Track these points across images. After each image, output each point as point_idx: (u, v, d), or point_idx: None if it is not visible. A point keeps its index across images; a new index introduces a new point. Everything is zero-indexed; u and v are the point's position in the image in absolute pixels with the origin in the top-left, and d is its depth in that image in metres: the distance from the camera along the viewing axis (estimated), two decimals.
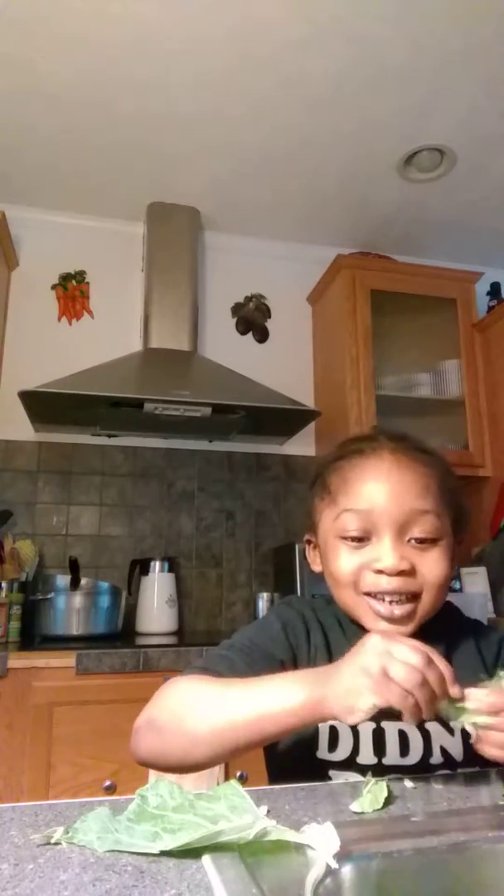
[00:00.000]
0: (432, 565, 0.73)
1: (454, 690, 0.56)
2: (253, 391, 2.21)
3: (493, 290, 2.71)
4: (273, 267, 2.74)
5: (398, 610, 0.72)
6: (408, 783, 0.61)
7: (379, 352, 2.43)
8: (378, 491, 0.74)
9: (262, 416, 2.25)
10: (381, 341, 2.45)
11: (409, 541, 0.73)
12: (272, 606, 0.79)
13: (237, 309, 2.69)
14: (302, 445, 2.57)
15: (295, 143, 2.19)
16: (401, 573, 0.71)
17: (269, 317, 2.71)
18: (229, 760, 0.63)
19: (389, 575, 0.71)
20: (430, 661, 0.55)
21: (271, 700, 0.59)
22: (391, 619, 0.72)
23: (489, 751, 0.58)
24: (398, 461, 0.75)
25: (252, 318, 2.69)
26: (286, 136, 2.15)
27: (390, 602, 0.72)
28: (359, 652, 0.57)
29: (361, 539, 0.74)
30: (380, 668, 0.54)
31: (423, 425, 2.46)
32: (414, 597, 0.73)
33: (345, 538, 0.75)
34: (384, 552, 0.72)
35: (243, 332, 2.67)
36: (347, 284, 2.46)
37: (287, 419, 2.34)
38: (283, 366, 2.62)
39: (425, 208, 2.54)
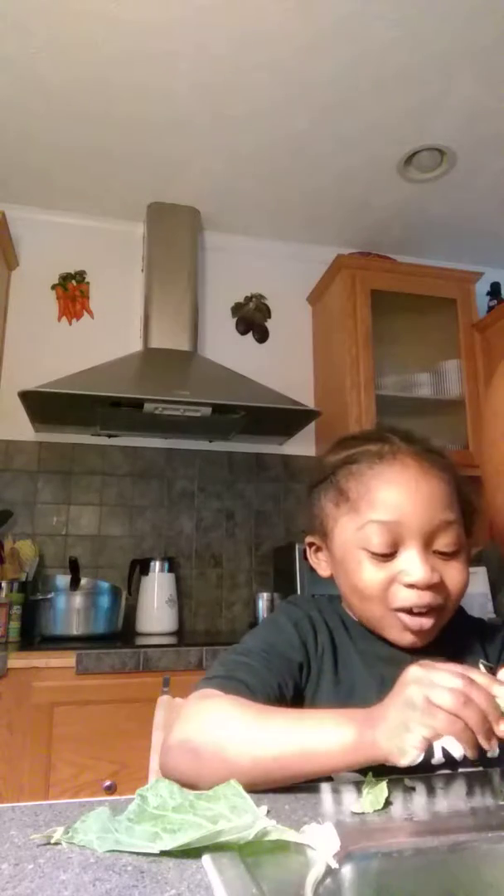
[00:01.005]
0: (455, 576, 0.72)
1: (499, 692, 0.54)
2: (253, 391, 2.21)
3: (493, 290, 2.71)
4: (273, 267, 2.74)
5: (426, 622, 0.71)
6: (408, 783, 0.61)
7: (379, 352, 2.43)
8: (405, 501, 0.71)
9: (262, 416, 2.25)
10: (381, 341, 2.45)
11: (433, 550, 0.72)
12: (278, 606, 0.79)
13: (237, 309, 2.69)
14: (302, 445, 2.57)
15: (295, 144, 2.19)
16: (431, 587, 0.70)
17: (269, 317, 2.71)
18: (271, 786, 0.60)
19: (420, 589, 0.70)
20: (472, 682, 0.53)
21: (320, 739, 0.56)
22: (419, 632, 0.72)
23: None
24: (423, 469, 0.73)
25: (252, 318, 2.69)
26: (286, 136, 2.15)
27: (418, 614, 0.71)
28: (401, 687, 0.55)
29: (388, 552, 0.71)
30: (423, 699, 0.52)
31: (423, 425, 2.45)
32: (438, 608, 0.72)
33: (368, 550, 0.72)
34: (414, 566, 0.70)
35: (243, 332, 2.67)
36: (347, 284, 2.46)
37: (287, 419, 2.34)
38: (283, 366, 2.62)
39: (425, 208, 2.54)
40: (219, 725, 0.62)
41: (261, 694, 0.67)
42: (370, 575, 0.72)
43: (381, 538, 0.71)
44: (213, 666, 0.74)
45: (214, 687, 0.67)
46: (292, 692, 0.72)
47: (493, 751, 0.53)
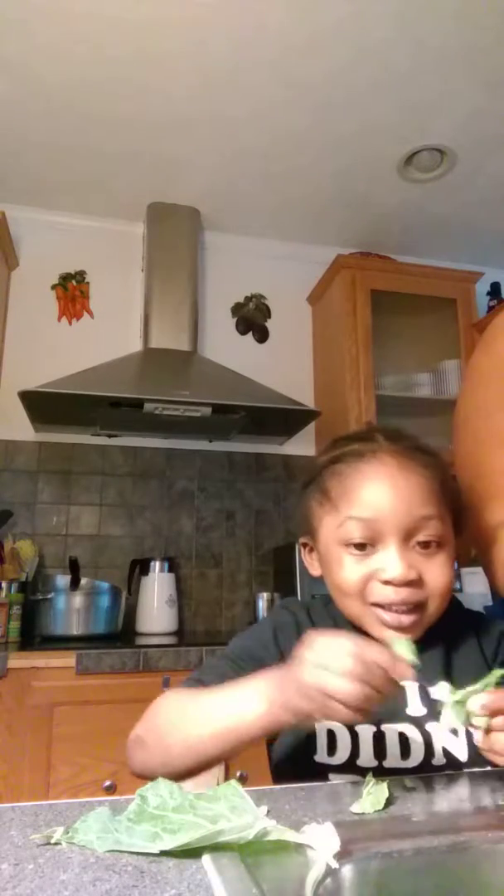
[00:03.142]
0: (437, 572, 0.72)
1: (401, 673, 0.56)
2: (253, 391, 2.21)
3: (493, 290, 2.71)
4: (273, 267, 2.74)
5: (406, 619, 0.71)
6: (408, 783, 0.61)
7: (379, 352, 2.43)
8: (382, 498, 0.72)
9: (262, 416, 2.25)
10: (381, 341, 2.45)
11: (413, 546, 0.72)
12: (271, 610, 0.80)
13: (237, 309, 2.69)
14: (302, 445, 2.57)
15: (295, 144, 2.19)
16: (408, 583, 0.70)
17: (269, 317, 2.71)
18: (208, 769, 0.65)
19: (397, 585, 0.70)
20: (365, 662, 0.55)
21: (233, 712, 0.61)
22: (399, 628, 0.71)
23: (494, 757, 0.57)
24: (401, 465, 0.73)
25: (252, 318, 2.69)
26: (286, 136, 2.15)
27: (397, 611, 0.71)
28: (298, 666, 0.57)
29: (366, 547, 0.72)
30: (319, 691, 0.55)
31: (423, 425, 2.44)
32: (419, 606, 0.71)
33: (348, 546, 0.73)
34: (391, 562, 0.70)
35: (243, 332, 2.67)
36: (347, 284, 2.46)
37: (287, 419, 2.34)
38: (283, 366, 2.62)
39: (425, 208, 2.54)
40: (162, 717, 0.68)
41: None
42: (349, 572, 0.73)
43: (359, 534, 0.72)
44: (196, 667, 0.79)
45: (181, 688, 0.73)
46: None
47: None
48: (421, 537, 0.72)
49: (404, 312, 2.56)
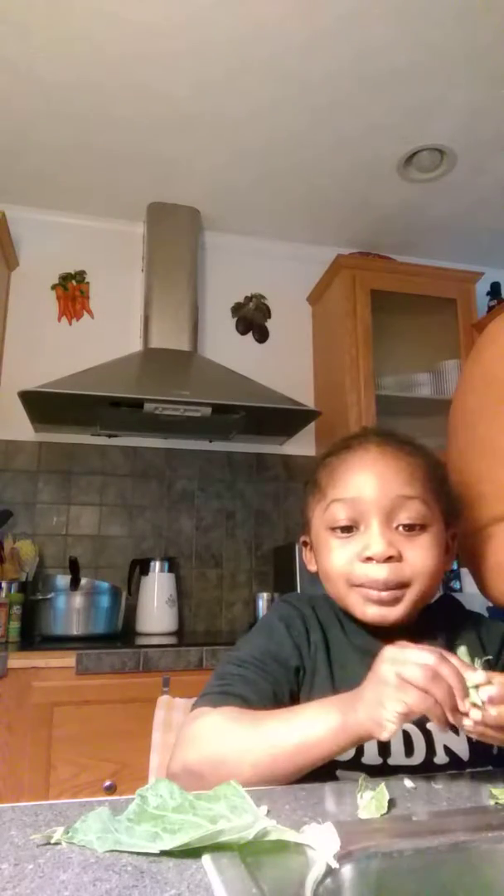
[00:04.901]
0: (421, 552, 0.73)
1: (471, 677, 0.56)
2: (253, 391, 2.21)
3: (493, 290, 2.71)
4: (273, 267, 2.74)
5: (386, 595, 0.72)
6: (408, 783, 0.61)
7: (379, 352, 2.43)
8: (364, 479, 0.74)
9: (262, 416, 2.25)
10: (381, 341, 2.45)
11: (396, 528, 0.73)
12: (273, 605, 0.80)
13: (237, 309, 2.69)
14: (302, 445, 2.57)
15: (295, 144, 2.19)
16: (389, 559, 0.71)
17: (269, 317, 2.71)
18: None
19: (378, 562, 0.71)
20: (442, 659, 0.56)
21: (309, 730, 0.60)
22: (380, 602, 0.72)
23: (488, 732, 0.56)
24: (383, 451, 0.77)
25: (252, 318, 2.69)
26: (286, 136, 2.15)
27: (379, 589, 0.72)
28: (377, 665, 0.59)
29: (350, 528, 0.74)
30: (395, 675, 0.56)
31: (423, 425, 2.44)
32: (402, 585, 0.73)
33: (334, 529, 0.75)
34: (372, 539, 0.72)
35: (243, 332, 2.67)
36: (347, 284, 2.46)
37: (287, 419, 2.34)
38: (283, 366, 2.62)
39: (425, 208, 2.54)
40: (213, 743, 0.64)
41: (258, 704, 0.69)
42: (335, 555, 0.75)
43: (343, 515, 0.74)
44: (209, 680, 0.75)
45: (209, 704, 0.69)
46: (289, 696, 0.73)
47: (461, 726, 0.56)
48: (403, 519, 0.73)
49: (404, 312, 2.56)
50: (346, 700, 0.60)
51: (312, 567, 0.83)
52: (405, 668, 0.56)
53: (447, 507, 0.78)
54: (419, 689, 0.54)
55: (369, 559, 0.72)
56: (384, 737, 0.56)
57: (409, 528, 0.73)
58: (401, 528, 0.73)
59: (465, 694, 0.55)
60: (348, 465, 0.77)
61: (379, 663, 0.58)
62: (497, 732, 0.56)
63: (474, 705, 0.55)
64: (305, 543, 0.85)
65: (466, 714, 0.55)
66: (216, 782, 0.59)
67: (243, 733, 0.63)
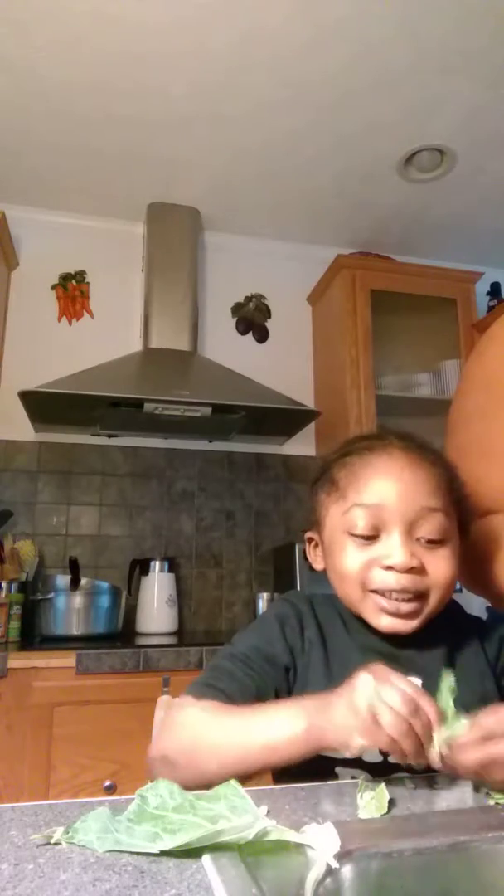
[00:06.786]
0: (440, 564, 0.72)
1: (439, 734, 0.57)
2: (253, 391, 2.21)
3: (493, 290, 2.71)
4: (273, 267, 2.74)
5: (404, 607, 0.71)
6: (408, 783, 0.61)
7: (379, 352, 2.43)
8: (389, 487, 0.73)
9: (262, 416, 2.25)
10: (381, 341, 2.45)
11: (417, 539, 0.72)
12: (272, 602, 0.80)
13: (237, 309, 2.69)
14: (302, 445, 2.57)
15: (295, 144, 2.19)
16: (410, 570, 0.71)
17: (269, 317, 2.71)
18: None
19: (399, 572, 0.71)
20: (416, 708, 0.56)
21: (274, 733, 0.60)
22: (396, 615, 0.72)
23: (463, 759, 0.56)
24: (409, 459, 0.75)
25: (252, 318, 2.69)
26: (286, 136, 2.15)
27: (396, 599, 0.72)
28: (351, 689, 0.58)
29: (370, 535, 0.73)
30: (368, 712, 0.56)
31: (423, 425, 2.43)
32: (420, 595, 0.72)
33: (353, 534, 0.74)
34: (394, 548, 0.71)
35: (243, 332, 2.67)
36: (347, 284, 2.46)
37: (287, 419, 2.34)
38: (283, 366, 2.62)
39: (425, 208, 2.54)
40: (189, 737, 0.67)
41: (239, 701, 0.69)
42: (351, 557, 0.74)
43: (364, 521, 0.73)
44: (204, 670, 0.77)
45: (194, 694, 0.71)
46: (273, 695, 0.73)
47: (419, 765, 0.57)
48: (424, 532, 0.72)
49: (404, 312, 2.56)
50: (316, 706, 0.60)
51: (319, 565, 0.82)
52: (379, 709, 0.55)
53: (462, 518, 0.78)
54: (387, 735, 0.55)
55: (390, 568, 0.71)
56: (347, 755, 0.58)
57: (430, 540, 0.72)
58: (422, 540, 0.72)
59: (430, 741, 0.56)
60: (373, 469, 0.75)
61: (356, 686, 0.58)
62: (467, 774, 0.58)
63: (441, 751, 0.56)
64: (310, 540, 0.84)
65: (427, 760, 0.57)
66: (189, 774, 0.62)
67: (215, 730, 0.65)
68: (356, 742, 0.56)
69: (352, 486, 0.76)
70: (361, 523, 0.73)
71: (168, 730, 0.69)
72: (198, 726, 0.66)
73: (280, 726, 0.60)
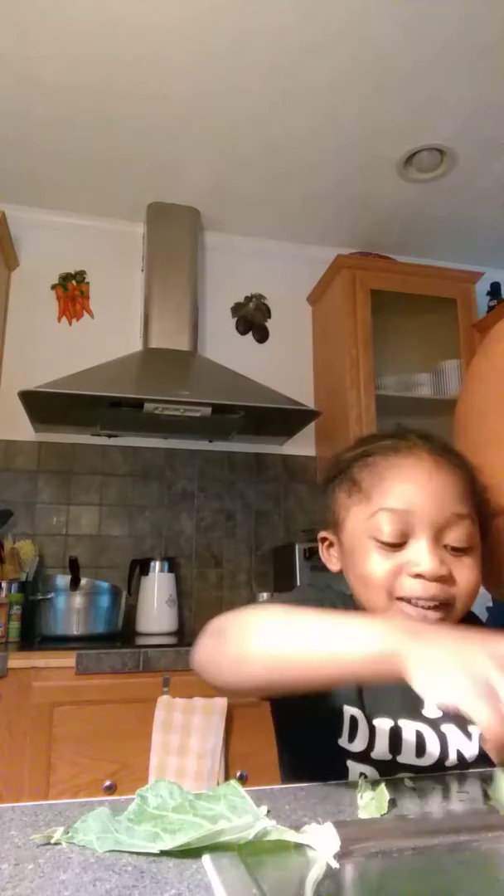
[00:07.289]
0: (467, 573, 0.70)
1: None
2: (253, 391, 2.21)
3: (493, 290, 2.71)
4: (273, 267, 2.74)
5: (431, 615, 0.69)
6: (408, 783, 0.61)
7: (379, 352, 2.43)
8: (418, 492, 0.71)
9: (262, 416, 2.25)
10: (381, 341, 2.45)
11: (444, 546, 0.70)
12: (298, 588, 0.80)
13: (237, 309, 2.69)
14: (302, 445, 2.57)
15: (295, 144, 2.19)
16: (439, 578, 0.68)
17: (269, 317, 2.71)
18: (268, 694, 0.65)
19: (428, 580, 0.68)
20: None
21: (349, 643, 0.54)
22: (422, 622, 0.70)
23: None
24: (436, 462, 0.73)
25: (252, 318, 2.69)
26: (286, 136, 2.15)
27: (423, 607, 0.69)
28: (468, 640, 0.50)
29: (398, 543, 0.70)
30: (485, 677, 0.47)
31: (423, 425, 2.44)
32: (446, 604, 0.70)
33: (378, 539, 0.71)
34: (423, 556, 0.68)
35: (243, 332, 2.67)
36: (347, 284, 2.46)
37: (287, 419, 2.34)
38: (283, 366, 2.62)
39: (425, 208, 2.54)
40: (251, 615, 0.64)
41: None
42: (377, 564, 0.71)
43: (392, 527, 0.70)
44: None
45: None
46: None
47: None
48: (452, 539, 0.70)
49: (404, 312, 2.56)
50: (402, 628, 0.54)
51: (335, 566, 0.79)
52: (500, 682, 0.46)
53: (481, 522, 0.76)
54: (498, 712, 0.45)
55: (419, 576, 0.69)
56: (427, 700, 0.48)
57: (457, 548, 0.70)
58: (449, 548, 0.70)
59: None
60: (400, 472, 0.73)
61: (476, 645, 0.50)
62: None
63: None
64: (324, 540, 0.81)
65: None
66: (234, 649, 0.61)
67: (280, 616, 0.61)
68: (446, 697, 0.47)
69: (376, 488, 0.73)
70: (388, 528, 0.70)
71: (230, 613, 0.65)
72: (266, 612, 0.64)
73: (359, 638, 0.53)
